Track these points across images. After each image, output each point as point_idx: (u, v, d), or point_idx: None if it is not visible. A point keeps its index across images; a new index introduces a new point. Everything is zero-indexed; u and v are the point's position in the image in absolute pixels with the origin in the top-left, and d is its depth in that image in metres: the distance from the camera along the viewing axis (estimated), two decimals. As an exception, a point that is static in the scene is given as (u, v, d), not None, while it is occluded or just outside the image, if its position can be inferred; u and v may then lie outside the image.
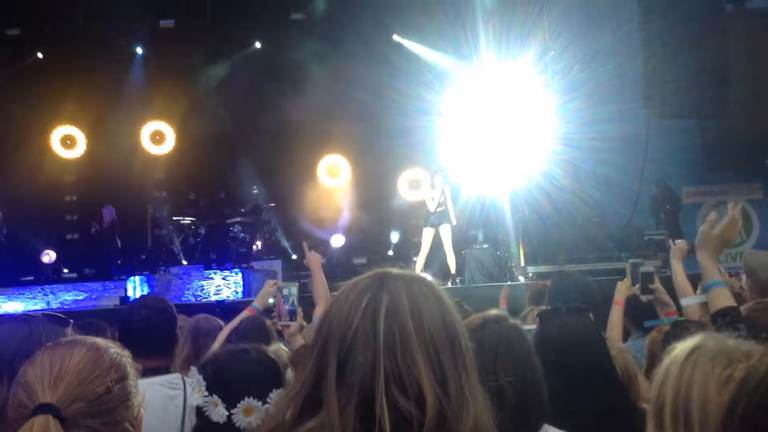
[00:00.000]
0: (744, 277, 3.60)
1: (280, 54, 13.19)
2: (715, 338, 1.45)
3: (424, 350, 1.14)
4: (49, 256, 12.51)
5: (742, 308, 2.54)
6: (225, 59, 13.42)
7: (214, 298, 10.25)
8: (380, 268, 1.25)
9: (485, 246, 11.28)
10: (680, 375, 1.42)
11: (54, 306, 10.71)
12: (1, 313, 10.05)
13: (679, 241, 4.09)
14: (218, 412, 1.81)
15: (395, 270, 1.24)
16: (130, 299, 9.82)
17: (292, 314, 3.11)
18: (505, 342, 1.89)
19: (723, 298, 2.44)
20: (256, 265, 11.40)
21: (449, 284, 10.76)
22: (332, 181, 13.88)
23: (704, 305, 2.76)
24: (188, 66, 12.92)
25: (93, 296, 11.07)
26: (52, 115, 13.57)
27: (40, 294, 11.15)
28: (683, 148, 11.46)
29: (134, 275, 10.86)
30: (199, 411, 1.85)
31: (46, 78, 13.07)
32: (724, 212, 2.49)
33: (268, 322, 3.49)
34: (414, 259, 11.35)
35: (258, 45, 13.63)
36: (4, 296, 11.11)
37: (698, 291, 3.19)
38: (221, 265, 11.10)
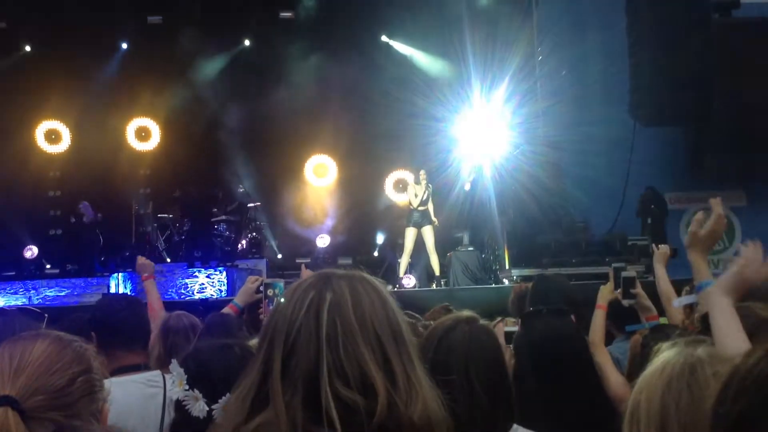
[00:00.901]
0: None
1: (268, 52, 13.14)
2: (685, 353, 1.46)
3: (368, 343, 1.17)
4: (31, 252, 12.37)
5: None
6: (213, 57, 13.34)
7: (197, 296, 10.19)
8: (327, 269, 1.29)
9: (470, 248, 11.30)
10: (654, 387, 1.43)
11: (35, 302, 10.60)
12: (-19, 307, 9.94)
13: (661, 246, 4.14)
14: (199, 407, 1.80)
15: (340, 270, 1.28)
16: (113, 296, 9.74)
17: None
18: (476, 343, 1.91)
19: None
20: (240, 263, 11.33)
21: (434, 286, 10.78)
22: (319, 181, 13.85)
23: (690, 307, 2.79)
24: (175, 63, 12.81)
25: (75, 292, 10.95)
26: (37, 109, 13.41)
27: (21, 289, 11.02)
28: (667, 154, 11.55)
29: (117, 272, 10.77)
30: (179, 405, 1.84)
31: (32, 72, 12.93)
32: (710, 212, 2.50)
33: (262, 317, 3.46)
34: (399, 260, 11.37)
35: (247, 43, 13.58)
36: (-16, 291, 11.00)
37: (683, 294, 3.23)
38: (206, 263, 11.02)
